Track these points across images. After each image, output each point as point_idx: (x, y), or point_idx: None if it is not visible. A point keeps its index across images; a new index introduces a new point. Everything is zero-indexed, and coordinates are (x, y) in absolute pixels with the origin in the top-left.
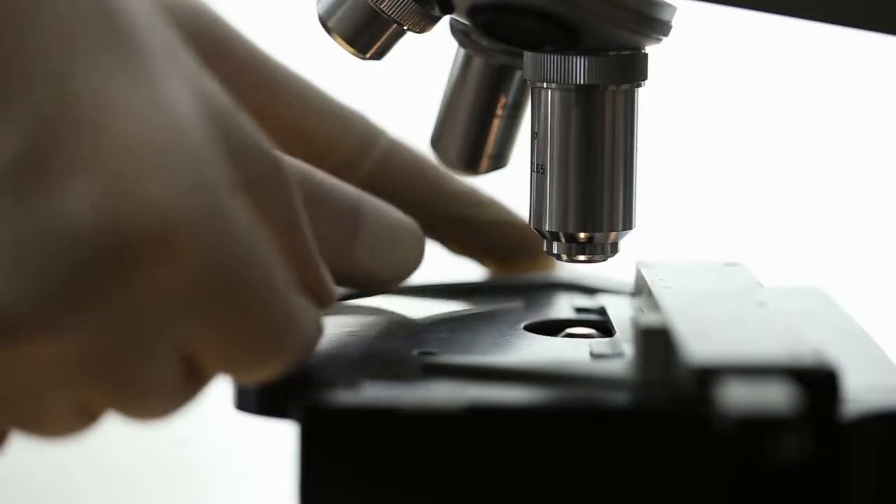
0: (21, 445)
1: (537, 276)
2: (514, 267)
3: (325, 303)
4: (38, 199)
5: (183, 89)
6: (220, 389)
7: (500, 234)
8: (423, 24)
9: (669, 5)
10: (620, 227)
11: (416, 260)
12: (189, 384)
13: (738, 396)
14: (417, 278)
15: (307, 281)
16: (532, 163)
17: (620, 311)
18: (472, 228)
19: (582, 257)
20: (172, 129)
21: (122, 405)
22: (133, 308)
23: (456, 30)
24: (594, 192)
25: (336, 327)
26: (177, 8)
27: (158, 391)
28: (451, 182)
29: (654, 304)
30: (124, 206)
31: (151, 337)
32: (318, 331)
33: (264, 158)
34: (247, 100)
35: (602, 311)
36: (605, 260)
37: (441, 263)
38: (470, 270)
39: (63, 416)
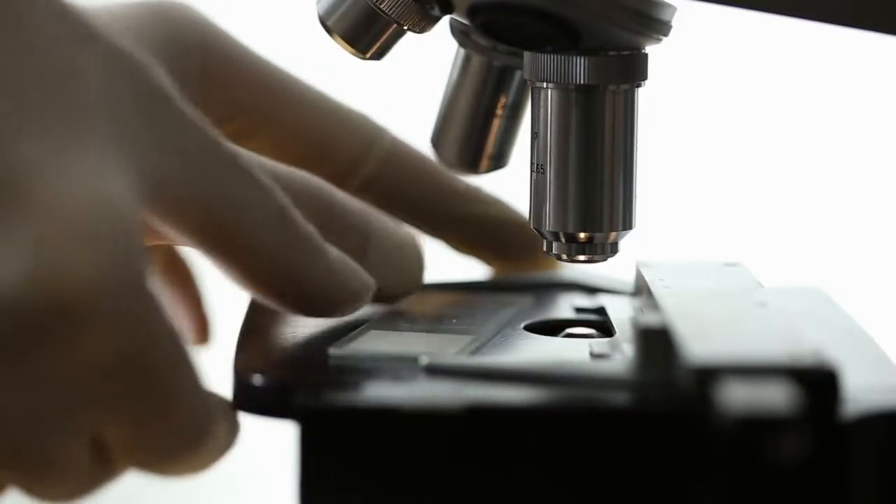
0: None
1: (537, 275)
2: (517, 265)
3: (365, 294)
4: None
5: (116, 158)
6: (221, 389)
7: (502, 232)
8: (423, 24)
9: (669, 5)
10: (620, 227)
11: (420, 275)
12: (99, 468)
13: (737, 396)
14: None
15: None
16: (532, 163)
17: (620, 311)
18: (474, 227)
19: (582, 257)
20: (100, 206)
21: (24, 482)
22: (39, 382)
23: (456, 30)
24: (594, 192)
25: (336, 327)
26: (177, 22)
27: (63, 471)
28: (454, 181)
29: (654, 304)
30: (43, 277)
31: (56, 414)
32: (236, 430)
33: (247, 193)
34: (251, 108)
35: (602, 311)
36: (605, 260)
37: (442, 263)
38: (470, 270)
39: None
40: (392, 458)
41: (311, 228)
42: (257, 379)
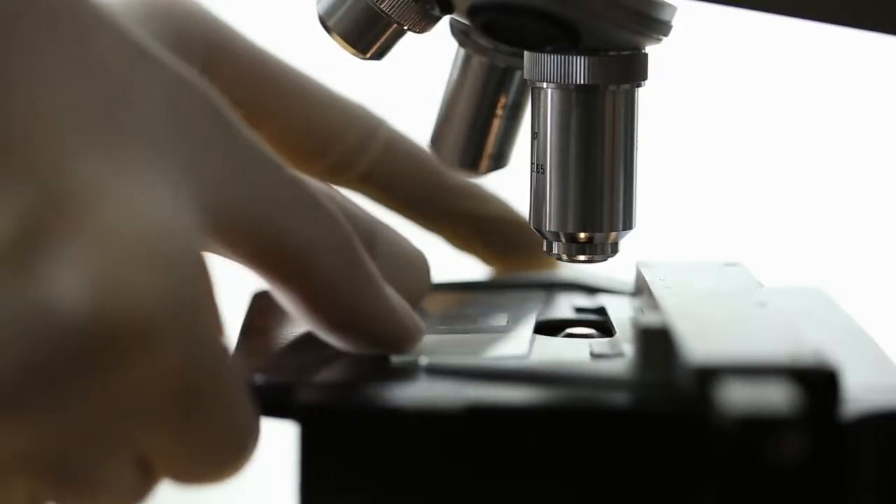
0: None
1: (537, 275)
2: (514, 264)
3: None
4: (20, 284)
5: (175, 182)
6: None
7: (499, 229)
8: (423, 24)
9: (669, 5)
10: (620, 227)
11: (425, 287)
12: (140, 484)
13: (737, 396)
14: None
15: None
16: (532, 163)
17: (620, 311)
18: (471, 223)
19: (582, 257)
20: (162, 230)
21: (64, 498)
22: (96, 403)
23: (456, 30)
24: (594, 192)
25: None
26: (180, 15)
27: (108, 491)
28: (452, 175)
29: (654, 304)
30: (107, 300)
31: (109, 435)
32: (259, 437)
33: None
34: (252, 99)
35: (602, 311)
36: (605, 260)
37: (442, 263)
38: (470, 270)
39: (9, 501)
40: (392, 458)
41: (373, 265)
42: (257, 379)
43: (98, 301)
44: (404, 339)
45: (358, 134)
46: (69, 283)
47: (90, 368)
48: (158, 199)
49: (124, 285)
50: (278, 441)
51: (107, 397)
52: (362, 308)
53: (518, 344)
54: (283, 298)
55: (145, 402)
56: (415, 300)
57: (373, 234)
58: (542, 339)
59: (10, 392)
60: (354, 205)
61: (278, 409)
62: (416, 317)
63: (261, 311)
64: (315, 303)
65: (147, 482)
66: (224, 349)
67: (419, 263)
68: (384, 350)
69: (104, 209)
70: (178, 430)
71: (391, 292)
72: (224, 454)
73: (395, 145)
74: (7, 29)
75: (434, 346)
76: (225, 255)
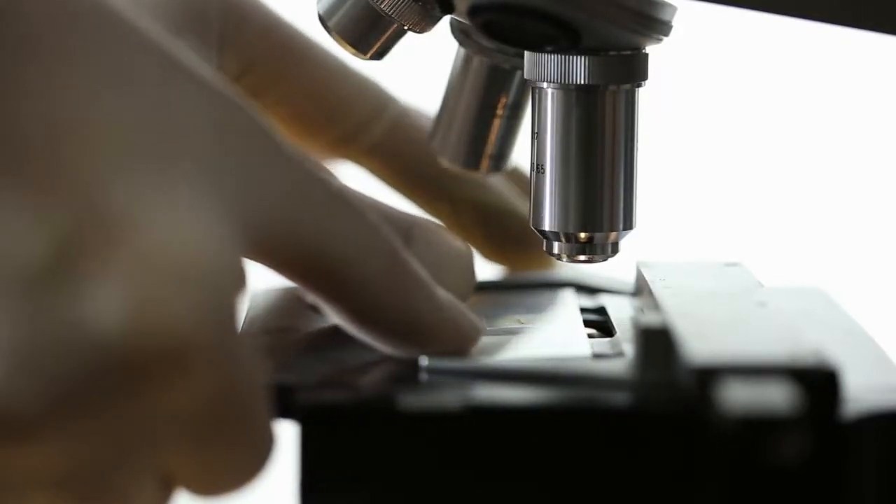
0: None
1: (537, 275)
2: (511, 259)
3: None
4: (58, 301)
5: (215, 202)
6: None
7: (501, 222)
8: (423, 24)
9: (670, 5)
10: (620, 227)
11: (471, 281)
12: (159, 498)
13: (738, 396)
14: None
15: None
16: (532, 163)
17: (620, 311)
18: (471, 210)
19: (582, 257)
20: (198, 251)
21: None
22: (128, 423)
23: (456, 30)
24: (594, 192)
25: (337, 328)
26: None
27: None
28: None
29: (654, 304)
30: (144, 321)
31: (139, 453)
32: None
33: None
34: (267, 62)
35: (602, 311)
36: (605, 260)
37: None
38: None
39: None
40: (392, 458)
41: (421, 269)
42: None
43: (133, 322)
44: (462, 340)
45: (368, 107)
46: (105, 303)
47: (123, 388)
48: (199, 221)
49: (160, 307)
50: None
51: (138, 417)
52: (414, 315)
53: (578, 344)
54: (332, 313)
55: (176, 423)
56: (462, 296)
57: (410, 231)
58: (598, 339)
59: (43, 409)
60: (389, 206)
61: (278, 409)
62: (472, 316)
63: (261, 311)
64: (365, 314)
65: (166, 494)
66: (255, 371)
67: (463, 257)
68: (445, 354)
69: (144, 231)
70: (204, 449)
71: (443, 294)
72: (245, 470)
73: (404, 122)
74: (35, 42)
75: (492, 347)
76: (271, 271)
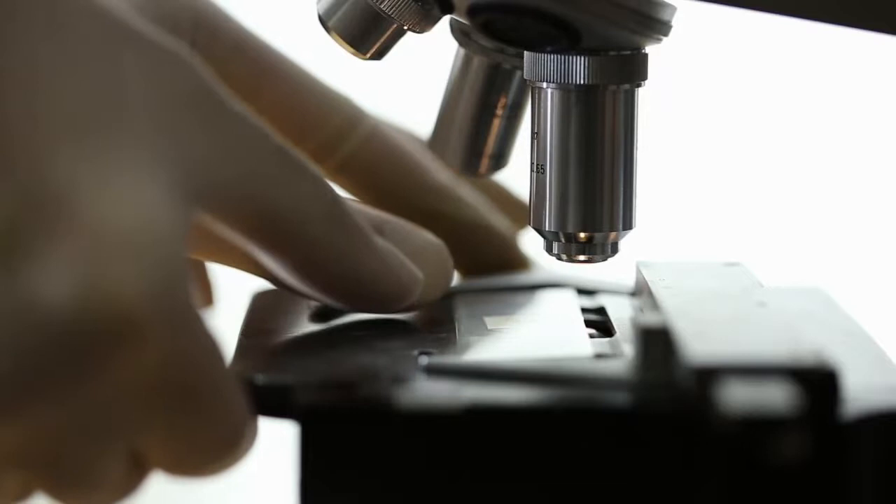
0: None
1: (537, 276)
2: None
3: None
4: (8, 280)
5: (161, 167)
6: None
7: (473, 237)
8: (423, 24)
9: (669, 5)
10: (620, 227)
11: (440, 282)
12: (132, 478)
13: (737, 396)
14: None
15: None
16: (532, 163)
17: (620, 311)
18: (441, 224)
19: (582, 257)
20: (145, 223)
21: (56, 492)
22: (89, 400)
23: (456, 30)
24: (594, 192)
25: (336, 328)
26: None
27: (101, 484)
28: (431, 174)
29: (654, 304)
30: (94, 295)
31: (102, 432)
32: (256, 433)
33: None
34: (239, 77)
35: (602, 311)
36: (604, 260)
37: None
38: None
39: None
40: (392, 457)
41: (361, 220)
42: (258, 379)
43: (81, 297)
44: (400, 294)
45: (339, 123)
46: (51, 280)
47: (77, 364)
48: (141, 193)
49: (106, 281)
50: (278, 441)
51: (96, 392)
52: (353, 266)
53: (578, 344)
54: (277, 267)
55: (134, 396)
56: (439, 288)
57: (382, 227)
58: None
59: (13, 387)
60: (362, 205)
61: (278, 409)
62: (411, 266)
63: (261, 311)
64: (306, 266)
65: (139, 475)
66: (212, 342)
67: (437, 251)
68: (381, 308)
69: (86, 207)
70: (168, 424)
71: (383, 244)
72: (215, 448)
73: (377, 137)
74: None
75: (492, 347)
76: (218, 230)
